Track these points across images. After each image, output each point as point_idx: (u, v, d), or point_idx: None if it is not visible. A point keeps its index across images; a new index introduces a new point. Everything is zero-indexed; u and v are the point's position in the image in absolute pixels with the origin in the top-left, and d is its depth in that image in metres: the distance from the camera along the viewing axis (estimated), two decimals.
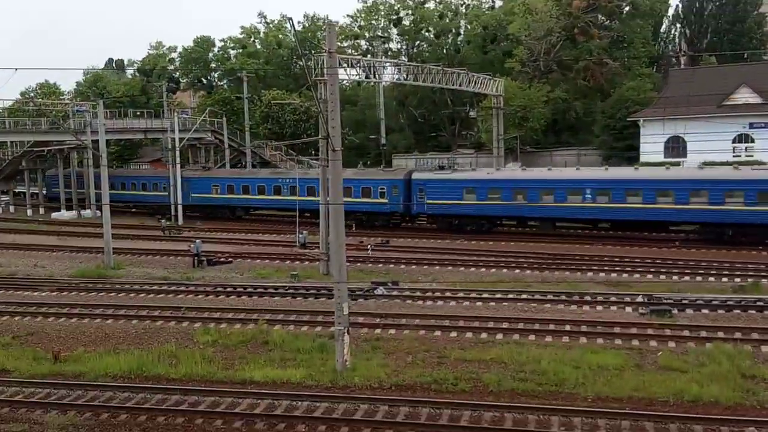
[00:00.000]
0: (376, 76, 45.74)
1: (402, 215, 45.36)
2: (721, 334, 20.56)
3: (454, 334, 21.62)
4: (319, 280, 30.50)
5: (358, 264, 33.46)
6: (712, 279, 28.50)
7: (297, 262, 34.98)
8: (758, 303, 23.54)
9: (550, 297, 25.59)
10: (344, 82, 73.66)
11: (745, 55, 64.59)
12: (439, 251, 36.63)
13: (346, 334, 18.50)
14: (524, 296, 25.82)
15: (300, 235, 38.37)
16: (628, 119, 54.51)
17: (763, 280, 27.55)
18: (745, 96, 51.30)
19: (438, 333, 21.76)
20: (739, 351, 19.00)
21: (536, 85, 61.35)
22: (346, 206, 19.45)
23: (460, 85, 49.25)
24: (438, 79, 47.69)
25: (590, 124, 62.43)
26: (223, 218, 53.54)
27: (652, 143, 51.74)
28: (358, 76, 45.47)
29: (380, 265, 33.55)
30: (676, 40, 71.47)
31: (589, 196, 38.51)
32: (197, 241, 35.91)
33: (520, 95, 58.37)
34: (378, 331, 22.25)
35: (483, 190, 41.39)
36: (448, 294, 26.53)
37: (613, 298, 25.03)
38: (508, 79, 59.78)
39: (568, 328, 21.75)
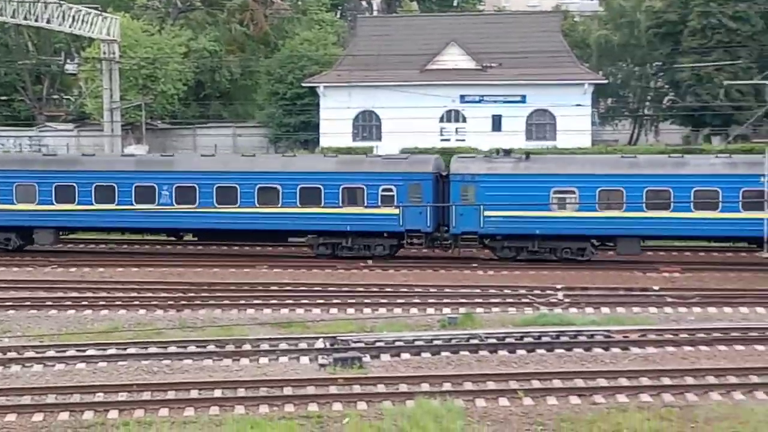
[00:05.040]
0: None
1: None
2: (425, 387, 22.53)
3: (39, 417, 20.92)
4: None
5: None
6: (414, 310, 31.19)
7: None
8: (472, 341, 26.35)
9: (192, 349, 25.97)
10: None
11: (455, 2, 72.20)
12: (21, 282, 35.21)
13: None
14: (153, 350, 25.85)
15: None
16: (303, 84, 57.48)
17: (478, 308, 30.95)
18: (454, 58, 57.18)
19: (12, 417, 20.87)
20: (449, 408, 21.00)
21: (170, 29, 61.76)
22: None
23: (48, 22, 47.75)
24: (11, 12, 45.69)
25: (252, 91, 64.57)
26: None
27: (336, 120, 55.04)
28: None
29: None
30: None
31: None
32: None
33: (146, 42, 58.32)
34: None
35: None
36: (30, 353, 25.63)
37: (282, 345, 26.15)
38: (127, 16, 59.42)
39: (218, 393, 22.21)
